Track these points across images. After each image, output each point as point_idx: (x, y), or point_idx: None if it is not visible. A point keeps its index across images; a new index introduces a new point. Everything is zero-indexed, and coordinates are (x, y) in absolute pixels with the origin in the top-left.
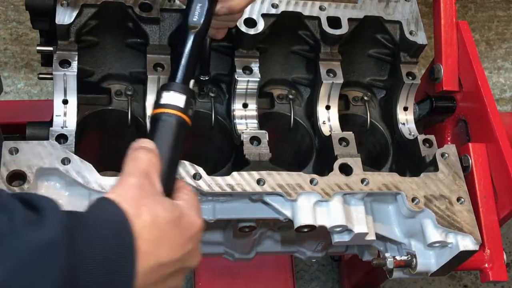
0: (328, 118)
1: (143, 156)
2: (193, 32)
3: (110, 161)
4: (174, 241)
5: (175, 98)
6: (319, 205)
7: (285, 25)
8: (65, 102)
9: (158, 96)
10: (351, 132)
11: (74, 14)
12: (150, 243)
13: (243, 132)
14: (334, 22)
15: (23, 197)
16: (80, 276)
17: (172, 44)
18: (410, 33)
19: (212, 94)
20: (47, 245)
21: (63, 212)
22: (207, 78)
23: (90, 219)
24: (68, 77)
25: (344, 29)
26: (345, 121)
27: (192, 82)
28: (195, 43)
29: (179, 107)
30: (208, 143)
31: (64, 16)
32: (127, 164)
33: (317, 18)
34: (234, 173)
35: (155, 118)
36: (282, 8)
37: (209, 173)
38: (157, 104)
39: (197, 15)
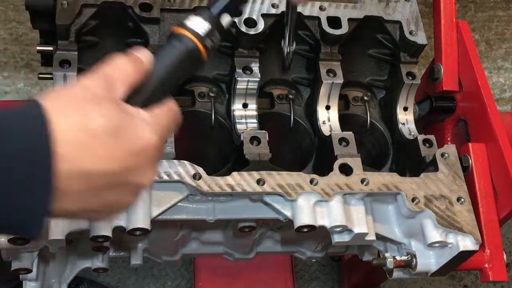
0: (328, 118)
1: (121, 62)
2: None
3: None
4: (108, 151)
5: (198, 24)
6: (319, 205)
7: None
8: None
9: (187, 16)
10: (351, 132)
11: (74, 14)
12: (73, 146)
13: (243, 132)
14: (334, 22)
15: None
16: None
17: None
18: (410, 33)
19: (212, 94)
20: None
21: None
22: (293, 49)
23: (8, 116)
24: (68, 77)
25: (344, 29)
26: (345, 121)
27: (227, 19)
28: None
29: (198, 33)
30: (208, 143)
31: (64, 16)
32: (101, 66)
33: (317, 18)
34: (234, 173)
35: (170, 35)
36: (282, 8)
37: (209, 173)
38: (180, 22)
39: None
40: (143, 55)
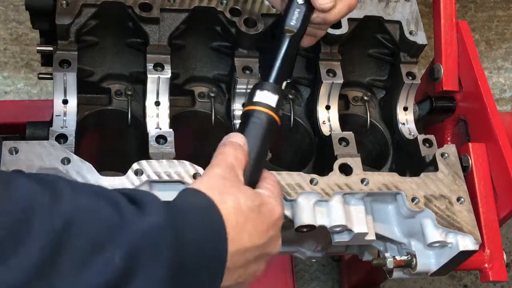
0: (328, 118)
1: (230, 151)
2: (289, 35)
3: (110, 161)
4: (257, 227)
5: (267, 97)
6: (319, 205)
7: None
8: (65, 102)
9: (252, 93)
10: (351, 132)
11: (74, 14)
12: (236, 228)
13: None
14: None
15: (124, 192)
16: (184, 257)
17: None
18: (410, 33)
19: (212, 94)
20: (156, 228)
21: (161, 203)
22: (289, 81)
23: (184, 206)
24: (68, 77)
25: (344, 29)
26: (345, 121)
27: (284, 83)
28: (291, 46)
29: (271, 106)
30: (208, 143)
31: (64, 16)
32: (216, 157)
33: None
34: None
35: (247, 114)
36: None
37: None
38: (250, 101)
39: (294, 20)
40: (239, 139)
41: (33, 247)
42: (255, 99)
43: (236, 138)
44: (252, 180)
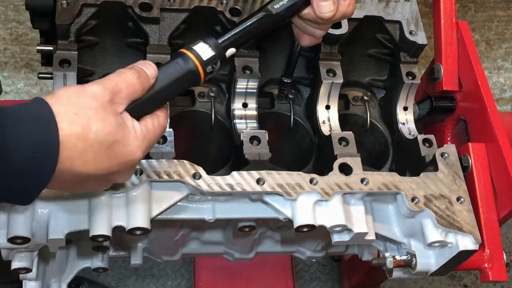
0: (328, 118)
1: (131, 77)
2: (264, 14)
3: None
4: (96, 160)
5: (204, 50)
6: (319, 204)
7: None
8: None
9: (195, 41)
10: (351, 132)
11: (74, 13)
12: (72, 151)
13: (242, 132)
14: None
15: None
16: (7, 170)
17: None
18: (410, 33)
19: (212, 94)
20: None
21: None
22: (289, 81)
23: (20, 115)
24: (68, 77)
25: (344, 29)
26: (345, 121)
27: (231, 50)
28: (259, 22)
29: (202, 58)
30: (208, 143)
31: (64, 16)
32: (112, 75)
33: None
34: (234, 173)
35: (177, 54)
36: None
37: (209, 172)
38: (188, 46)
39: (279, 5)
40: (150, 70)
41: None
42: (193, 46)
43: (148, 68)
44: (137, 112)
